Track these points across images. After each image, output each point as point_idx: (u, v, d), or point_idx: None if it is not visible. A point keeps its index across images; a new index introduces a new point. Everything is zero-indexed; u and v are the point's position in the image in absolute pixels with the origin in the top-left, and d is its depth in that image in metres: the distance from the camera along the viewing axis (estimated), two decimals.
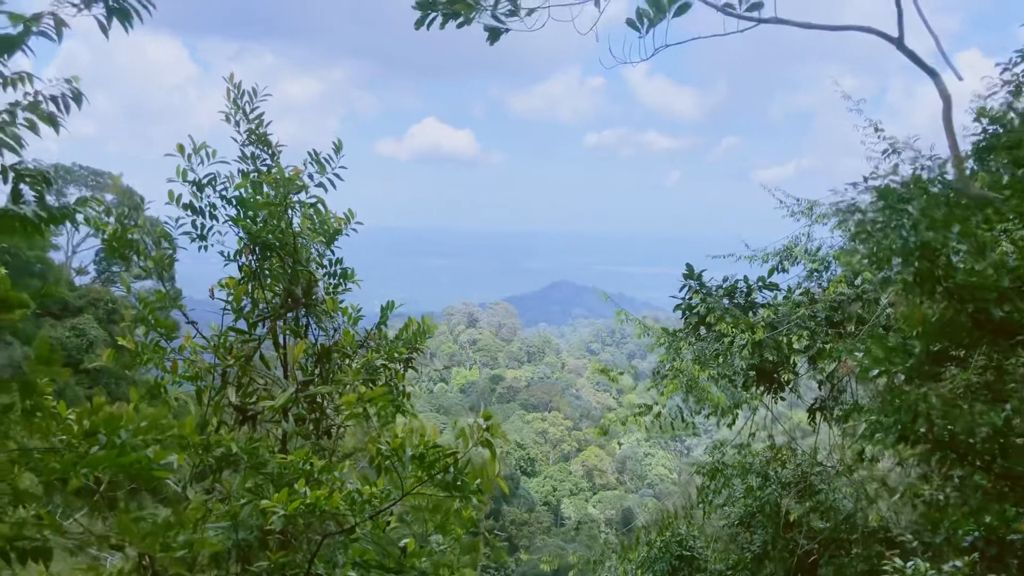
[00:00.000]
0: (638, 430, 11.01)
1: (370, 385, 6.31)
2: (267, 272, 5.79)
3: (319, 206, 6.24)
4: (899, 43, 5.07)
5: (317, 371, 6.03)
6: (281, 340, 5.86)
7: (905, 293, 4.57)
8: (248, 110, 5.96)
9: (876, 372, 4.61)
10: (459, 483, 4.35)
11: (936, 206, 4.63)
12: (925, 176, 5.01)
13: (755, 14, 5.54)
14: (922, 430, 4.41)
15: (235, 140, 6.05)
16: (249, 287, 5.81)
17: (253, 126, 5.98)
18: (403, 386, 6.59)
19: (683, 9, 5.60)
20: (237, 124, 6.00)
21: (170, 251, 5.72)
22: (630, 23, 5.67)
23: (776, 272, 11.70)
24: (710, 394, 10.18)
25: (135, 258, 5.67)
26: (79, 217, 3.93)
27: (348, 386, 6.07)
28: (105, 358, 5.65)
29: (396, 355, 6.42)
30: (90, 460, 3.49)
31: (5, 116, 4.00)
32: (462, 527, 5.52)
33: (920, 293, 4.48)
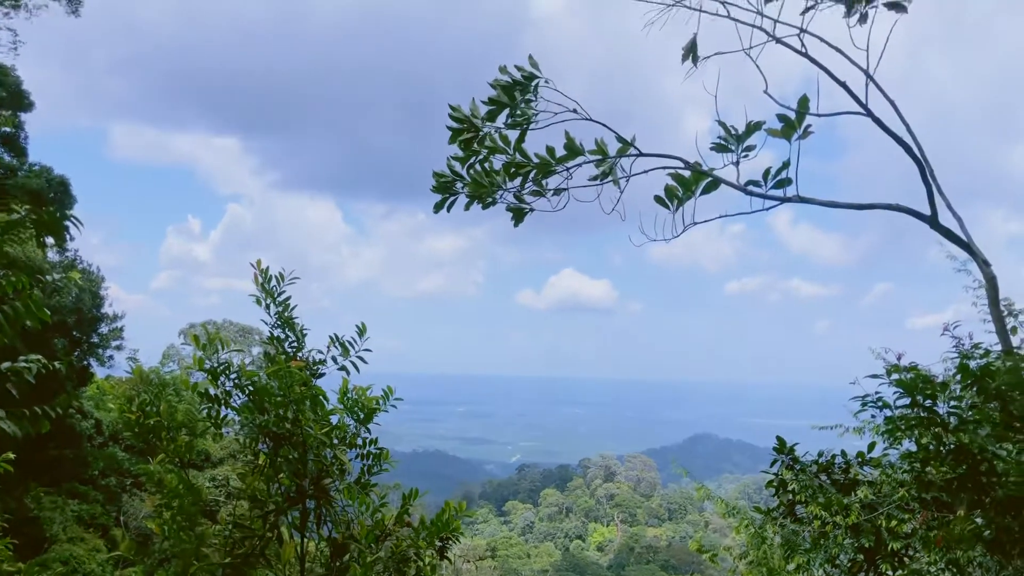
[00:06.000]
0: None
1: None
2: (280, 461, 5.69)
3: (351, 388, 6.20)
4: (933, 221, 4.63)
5: (335, 567, 5.79)
6: (293, 535, 5.69)
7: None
8: (276, 294, 6.07)
9: None
10: None
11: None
12: None
13: (779, 192, 5.27)
14: None
15: (265, 323, 6.15)
16: (263, 476, 5.73)
17: (280, 309, 6.07)
18: None
19: (710, 187, 5.41)
20: (267, 308, 6.10)
21: (189, 438, 5.74)
22: (659, 200, 5.51)
23: (891, 446, 10.61)
24: None
25: (157, 443, 5.73)
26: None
27: None
28: (122, 549, 5.63)
29: (422, 544, 6.12)
30: None
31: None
32: None
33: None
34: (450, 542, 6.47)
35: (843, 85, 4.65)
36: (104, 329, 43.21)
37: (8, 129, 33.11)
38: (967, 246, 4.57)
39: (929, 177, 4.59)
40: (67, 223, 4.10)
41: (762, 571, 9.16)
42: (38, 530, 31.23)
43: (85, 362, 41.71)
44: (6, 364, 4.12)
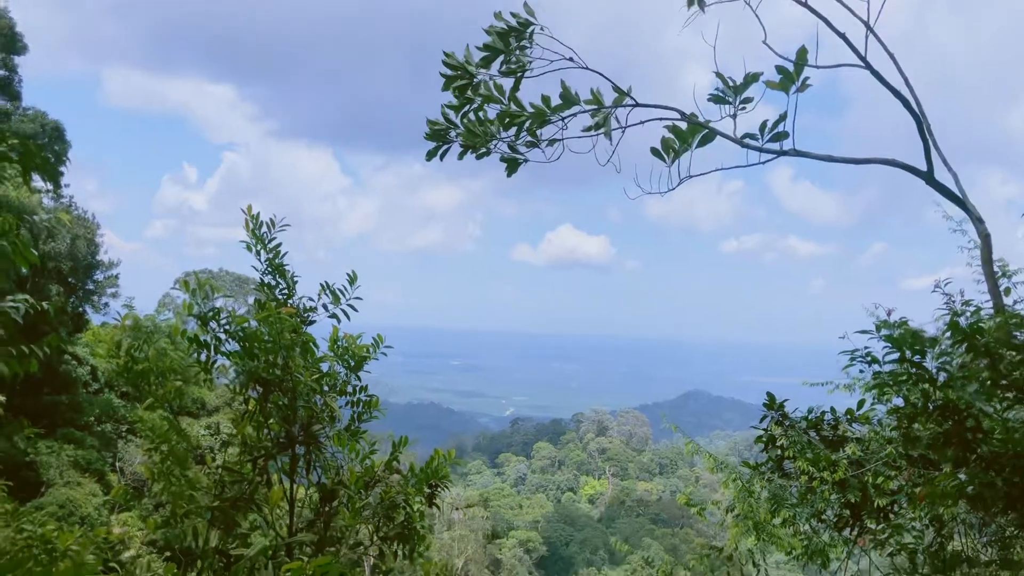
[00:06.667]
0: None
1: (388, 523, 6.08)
2: (270, 407, 5.71)
3: (342, 336, 6.19)
4: (928, 177, 4.60)
5: (323, 512, 5.84)
6: (283, 480, 5.73)
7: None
8: (267, 240, 6.02)
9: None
10: None
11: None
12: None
13: (776, 146, 5.21)
14: None
15: (256, 270, 6.12)
16: (253, 421, 5.74)
17: (271, 256, 6.03)
18: (420, 526, 6.30)
19: (707, 140, 5.34)
20: (258, 254, 6.06)
21: (179, 384, 5.74)
22: (655, 152, 5.44)
23: (880, 402, 10.68)
24: (780, 540, 9.28)
25: (146, 388, 5.73)
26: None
27: (349, 529, 5.85)
28: (114, 494, 5.67)
29: (410, 492, 6.17)
30: None
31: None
32: None
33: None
34: (439, 489, 6.52)
35: (842, 36, 4.57)
36: (99, 276, 43.15)
37: (2, 72, 32.68)
38: (962, 203, 4.54)
39: (926, 132, 4.54)
40: (57, 163, 4.04)
41: (748, 524, 9.27)
42: (34, 474, 31.54)
43: (80, 309, 41.69)
44: None
